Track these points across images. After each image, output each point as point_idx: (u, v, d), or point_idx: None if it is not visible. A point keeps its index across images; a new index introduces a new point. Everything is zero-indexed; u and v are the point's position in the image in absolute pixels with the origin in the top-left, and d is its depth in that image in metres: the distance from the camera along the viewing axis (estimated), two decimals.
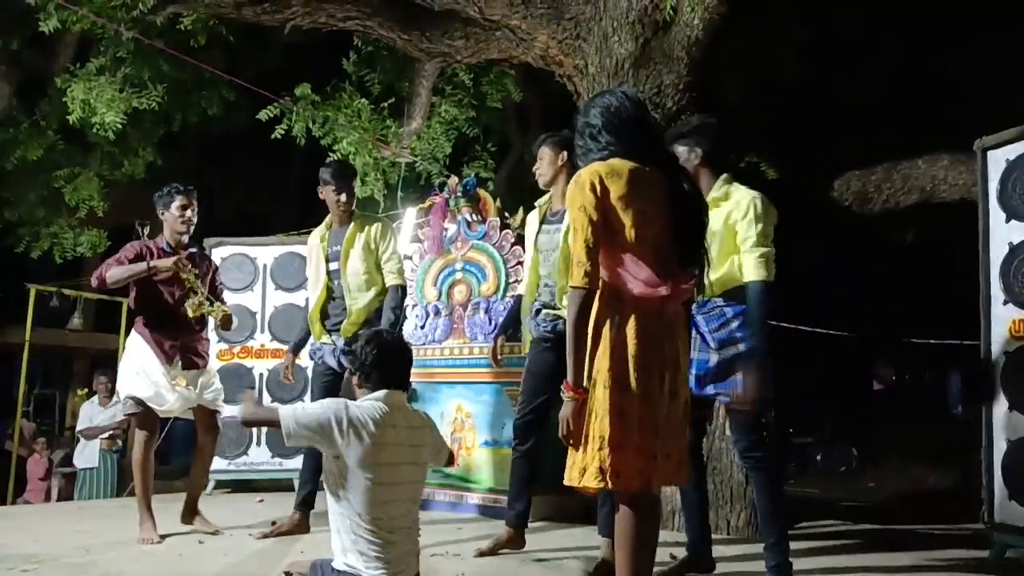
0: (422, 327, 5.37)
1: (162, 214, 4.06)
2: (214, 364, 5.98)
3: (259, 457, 5.87)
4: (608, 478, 2.12)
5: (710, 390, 2.87)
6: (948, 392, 14.89)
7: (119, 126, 6.65)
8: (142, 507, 3.85)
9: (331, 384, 4.01)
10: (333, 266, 4.10)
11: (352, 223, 4.09)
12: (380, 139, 6.76)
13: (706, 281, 2.74)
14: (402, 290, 4.08)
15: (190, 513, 4.08)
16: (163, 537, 3.81)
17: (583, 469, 2.16)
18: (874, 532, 4.38)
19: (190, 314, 3.90)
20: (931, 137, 4.71)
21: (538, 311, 3.68)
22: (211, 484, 5.96)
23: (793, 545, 3.97)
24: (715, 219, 2.89)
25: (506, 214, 5.23)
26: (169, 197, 4.04)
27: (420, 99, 6.57)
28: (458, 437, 5.05)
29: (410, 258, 5.66)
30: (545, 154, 3.71)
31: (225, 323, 4.08)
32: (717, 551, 3.40)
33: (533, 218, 3.88)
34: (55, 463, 8.86)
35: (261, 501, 5.20)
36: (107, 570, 3.23)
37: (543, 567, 3.38)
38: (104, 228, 9.41)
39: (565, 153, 3.68)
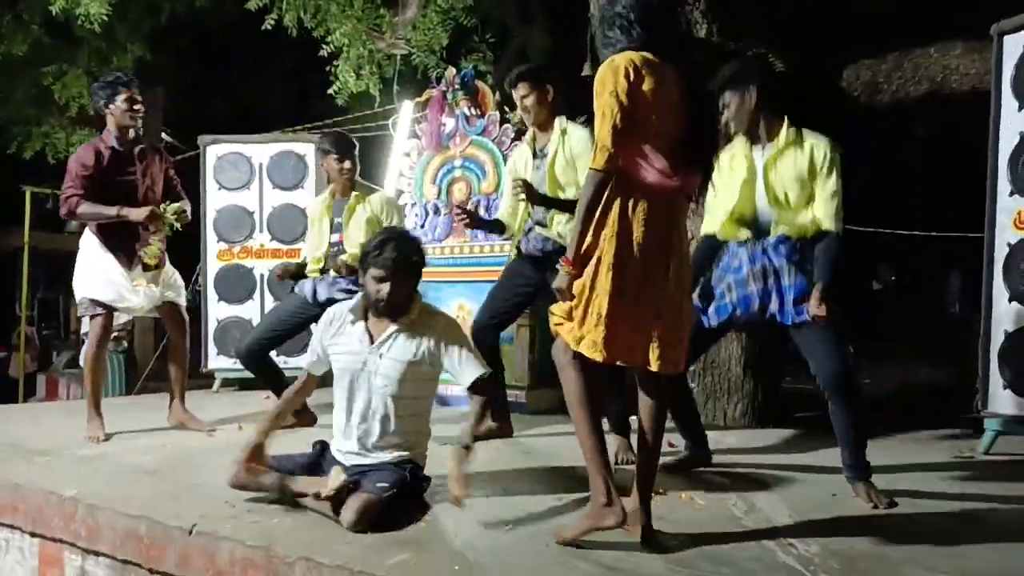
0: (422, 226, 5.33)
1: (107, 108, 3.86)
2: (213, 265, 6.02)
3: None
4: (601, 351, 2.21)
5: (804, 315, 2.82)
6: (947, 291, 14.97)
7: (104, 18, 6.41)
8: (90, 406, 3.87)
9: (300, 312, 4.03)
10: (335, 237, 4.06)
11: (353, 195, 4.03)
12: (374, 29, 6.52)
13: (789, 224, 2.87)
14: None
15: (177, 413, 4.09)
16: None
17: (580, 339, 2.23)
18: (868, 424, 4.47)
19: (146, 261, 3.86)
20: (945, 22, 4.54)
21: (530, 229, 3.69)
22: (217, 382, 6.07)
23: (788, 435, 4.09)
24: (795, 164, 2.89)
25: (506, 108, 5.11)
26: (112, 90, 3.84)
27: None
28: None
29: (408, 155, 5.57)
30: (528, 92, 3.60)
31: (181, 218, 3.93)
32: (716, 440, 3.49)
33: (521, 154, 3.80)
34: (62, 365, 9.01)
35: (268, 398, 5.29)
36: (120, 462, 3.31)
37: (542, 455, 3.48)
38: (96, 128, 9.21)
39: (551, 88, 3.64)
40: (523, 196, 3.48)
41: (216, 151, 6.07)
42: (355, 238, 3.96)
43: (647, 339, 2.26)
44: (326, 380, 2.88)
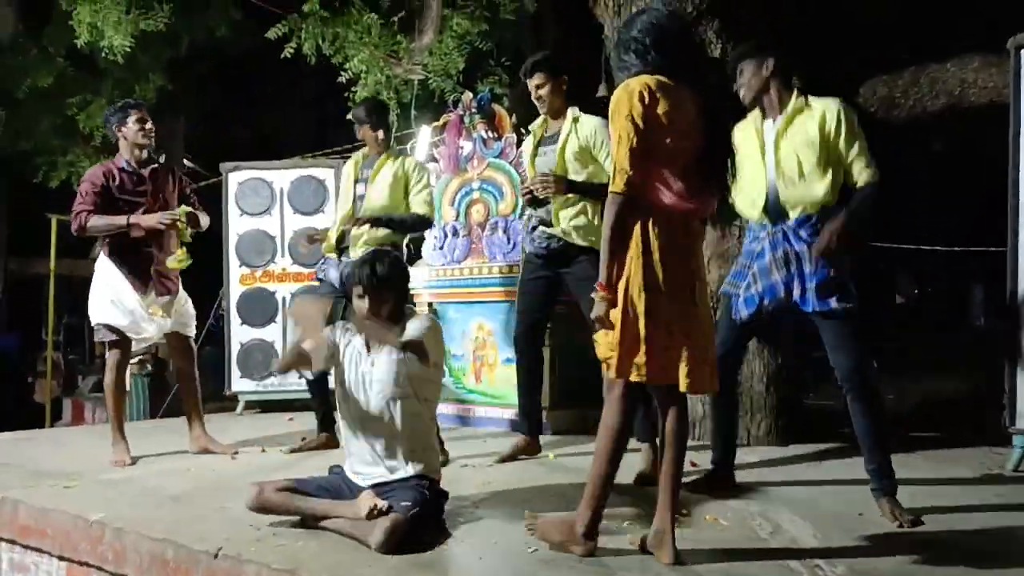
0: (440, 248, 5.36)
1: (119, 131, 3.96)
2: (236, 289, 6.09)
3: (286, 378, 5.93)
4: (643, 373, 2.24)
5: (833, 303, 2.82)
6: (971, 303, 14.82)
7: (127, 49, 6.55)
8: (115, 431, 3.91)
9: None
10: (360, 189, 4.10)
11: (386, 153, 4.10)
12: (391, 55, 6.61)
13: (804, 199, 2.86)
14: (424, 222, 4.06)
15: (199, 439, 4.10)
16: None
17: (619, 362, 2.25)
18: (894, 441, 4.42)
19: (172, 266, 3.89)
20: (961, 36, 4.52)
21: (534, 228, 3.70)
22: (241, 405, 6.12)
23: (812, 452, 4.05)
24: (805, 129, 2.89)
25: (522, 130, 5.14)
26: (124, 114, 3.96)
27: (431, 12, 6.38)
28: (480, 355, 5.11)
29: None
30: (544, 81, 3.66)
31: (194, 221, 3.94)
32: (739, 458, 3.46)
33: (526, 146, 3.88)
34: (88, 389, 9.12)
35: (291, 420, 5.33)
36: (145, 485, 3.34)
37: (567, 472, 3.47)
38: None
39: (564, 76, 3.70)
40: (552, 191, 3.49)
41: (237, 177, 6.16)
42: (379, 192, 3.97)
43: (677, 359, 2.28)
44: None
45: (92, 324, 3.97)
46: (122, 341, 3.91)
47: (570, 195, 3.55)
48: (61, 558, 2.93)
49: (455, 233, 5.32)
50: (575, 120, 3.65)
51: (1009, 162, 3.76)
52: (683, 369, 2.28)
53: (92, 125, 8.43)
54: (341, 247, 4.04)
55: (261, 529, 2.61)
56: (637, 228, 2.27)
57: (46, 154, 9.20)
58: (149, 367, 7.51)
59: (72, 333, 12.55)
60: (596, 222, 3.59)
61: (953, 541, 2.56)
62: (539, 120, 3.84)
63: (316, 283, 4.25)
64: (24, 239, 11.48)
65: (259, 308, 6.08)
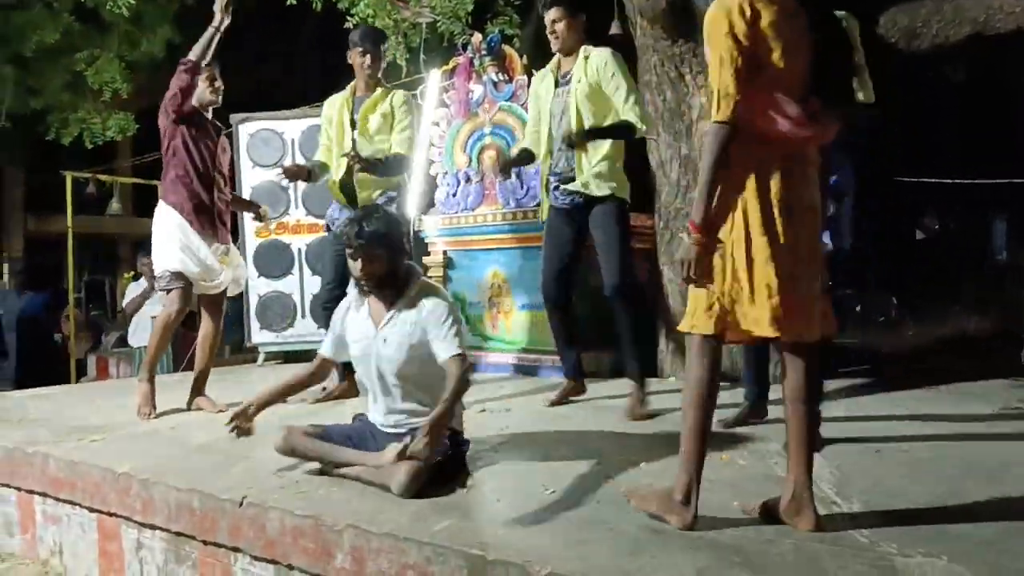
0: (454, 195, 5.33)
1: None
2: (251, 242, 6.11)
3: (305, 328, 6.02)
4: (774, 327, 1.97)
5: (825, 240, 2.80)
6: (992, 238, 14.62)
7: (132, 2, 6.47)
8: (146, 370, 3.90)
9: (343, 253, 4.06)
10: (355, 135, 4.01)
11: (376, 92, 4.00)
12: None
13: None
14: (401, 161, 3.96)
15: (195, 394, 4.06)
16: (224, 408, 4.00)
17: (737, 317, 2.01)
18: (912, 376, 4.40)
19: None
20: None
21: (556, 186, 3.67)
22: (261, 357, 6.19)
23: (829, 390, 4.04)
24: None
25: (533, 72, 5.05)
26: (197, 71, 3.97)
27: None
28: (496, 302, 5.12)
29: (437, 124, 5.56)
30: (561, 17, 3.60)
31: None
32: None
33: (543, 82, 3.78)
34: (111, 345, 9.26)
35: None
36: (170, 437, 3.40)
37: (581, 418, 3.50)
38: (131, 111, 9.35)
39: (583, 16, 3.63)
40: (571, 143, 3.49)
41: (248, 129, 6.13)
42: (371, 133, 3.92)
43: (811, 308, 2.03)
44: None
45: (156, 271, 3.93)
46: (187, 291, 3.86)
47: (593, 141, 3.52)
48: (92, 509, 3.00)
49: (468, 179, 5.28)
50: (586, 58, 3.59)
51: None
52: (815, 318, 2.03)
53: (101, 81, 8.39)
54: (347, 192, 4.02)
55: (285, 477, 2.65)
56: (753, 162, 2.00)
57: (57, 111, 9.18)
58: None
59: (93, 289, 12.68)
60: (618, 165, 3.57)
61: (972, 474, 2.56)
62: (552, 61, 3.77)
63: (326, 233, 4.25)
64: (40, 198, 11.54)
65: (276, 260, 6.10)
